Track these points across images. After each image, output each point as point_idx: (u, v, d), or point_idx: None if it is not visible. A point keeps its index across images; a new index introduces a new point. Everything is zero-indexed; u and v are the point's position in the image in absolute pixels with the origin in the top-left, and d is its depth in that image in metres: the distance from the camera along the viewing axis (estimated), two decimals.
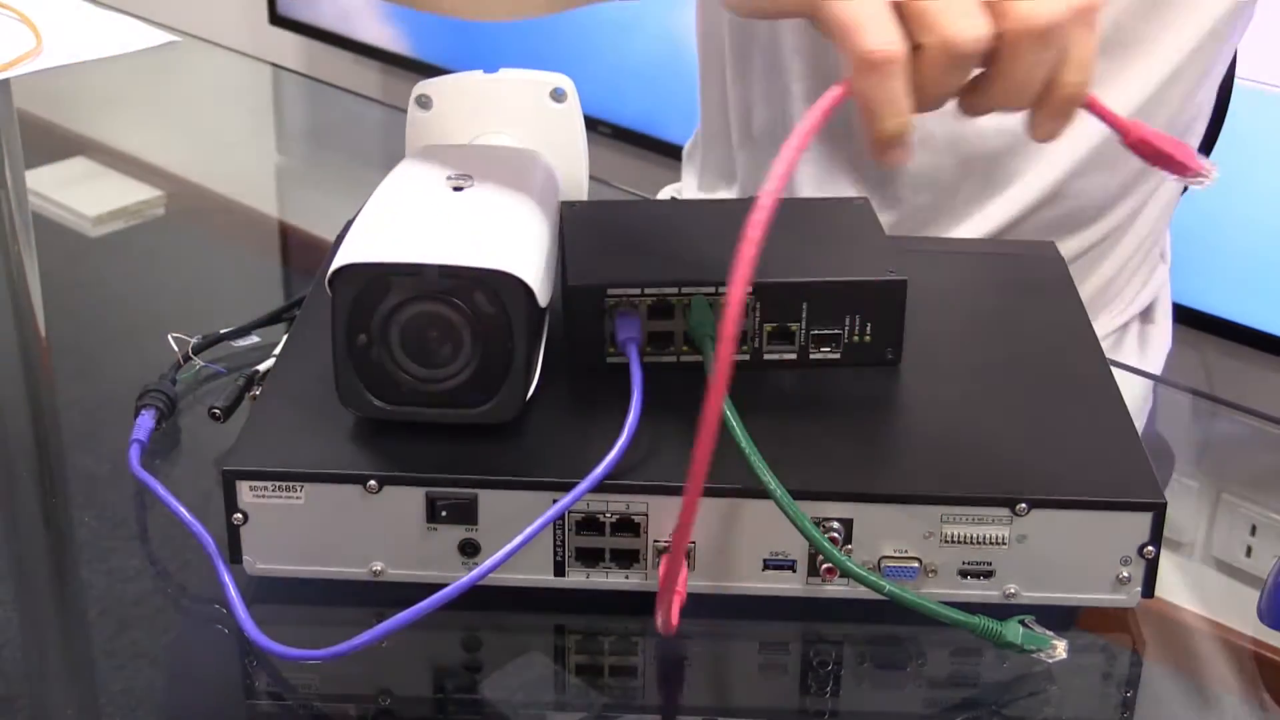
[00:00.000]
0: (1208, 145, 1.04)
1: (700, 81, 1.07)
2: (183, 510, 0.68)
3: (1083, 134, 0.91)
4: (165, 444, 0.77)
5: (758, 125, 1.01)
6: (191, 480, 0.74)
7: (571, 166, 0.82)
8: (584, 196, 0.82)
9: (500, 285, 0.63)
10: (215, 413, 0.76)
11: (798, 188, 0.98)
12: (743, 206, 0.54)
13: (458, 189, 0.68)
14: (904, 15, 0.54)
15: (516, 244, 0.65)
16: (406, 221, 0.66)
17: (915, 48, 0.54)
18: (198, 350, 0.82)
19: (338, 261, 0.63)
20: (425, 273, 0.62)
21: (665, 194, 1.17)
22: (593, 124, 0.84)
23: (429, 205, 0.68)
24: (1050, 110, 0.57)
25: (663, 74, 1.92)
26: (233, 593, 0.63)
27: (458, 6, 0.82)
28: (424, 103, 0.81)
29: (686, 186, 1.12)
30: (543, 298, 0.64)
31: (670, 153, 1.63)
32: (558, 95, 0.81)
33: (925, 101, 0.55)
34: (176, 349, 0.82)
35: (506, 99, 0.82)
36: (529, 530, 0.61)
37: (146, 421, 0.75)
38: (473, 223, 0.66)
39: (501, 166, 0.73)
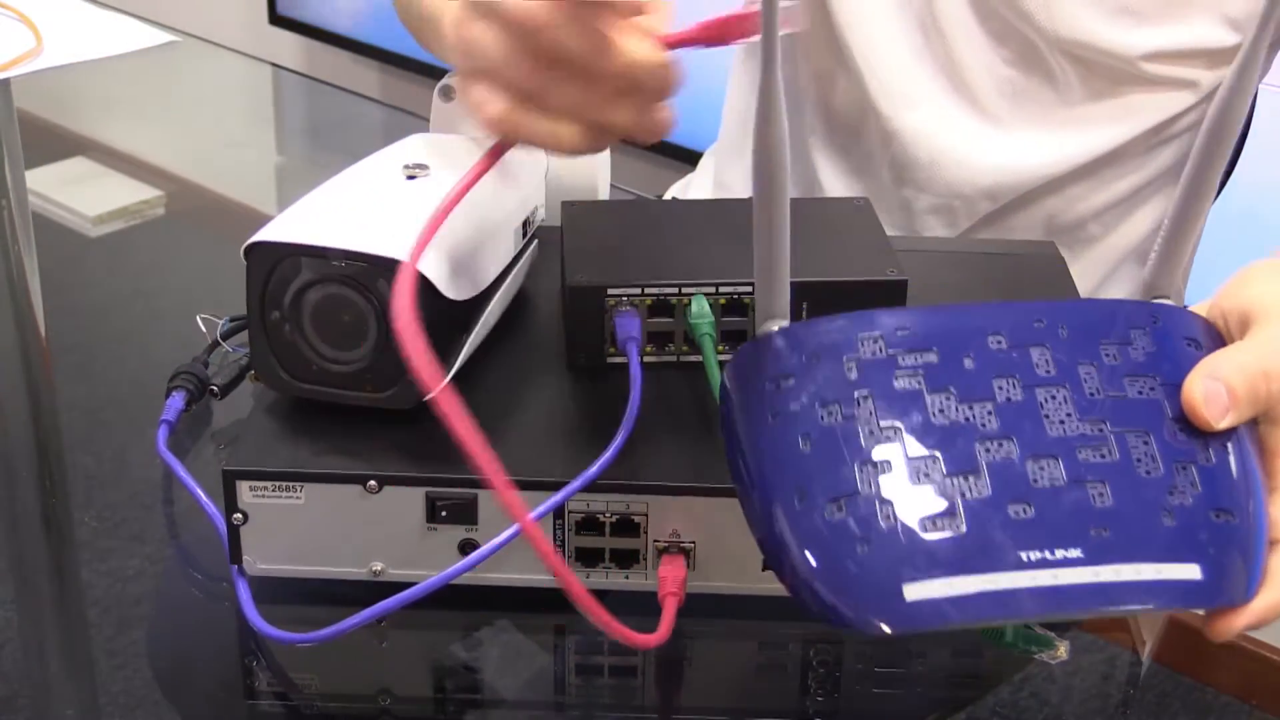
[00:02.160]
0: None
1: (727, 94, 1.07)
2: (200, 492, 0.69)
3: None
4: (194, 425, 0.78)
5: None
6: (211, 468, 0.74)
7: (591, 165, 0.82)
8: (605, 196, 0.82)
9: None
10: (213, 390, 0.77)
11: (825, 189, 0.99)
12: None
13: (410, 177, 0.68)
14: None
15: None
16: (335, 205, 0.67)
17: None
18: (226, 335, 0.82)
19: (252, 238, 0.63)
20: (329, 256, 0.63)
21: (668, 194, 1.17)
22: None
23: (370, 191, 0.68)
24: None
25: None
26: (237, 584, 0.63)
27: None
28: (447, 94, 0.81)
29: (700, 190, 1.12)
30: (451, 291, 0.64)
31: (674, 153, 1.62)
32: None
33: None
34: (206, 331, 0.82)
35: None
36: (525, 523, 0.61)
37: (176, 403, 0.76)
38: (402, 211, 0.66)
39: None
